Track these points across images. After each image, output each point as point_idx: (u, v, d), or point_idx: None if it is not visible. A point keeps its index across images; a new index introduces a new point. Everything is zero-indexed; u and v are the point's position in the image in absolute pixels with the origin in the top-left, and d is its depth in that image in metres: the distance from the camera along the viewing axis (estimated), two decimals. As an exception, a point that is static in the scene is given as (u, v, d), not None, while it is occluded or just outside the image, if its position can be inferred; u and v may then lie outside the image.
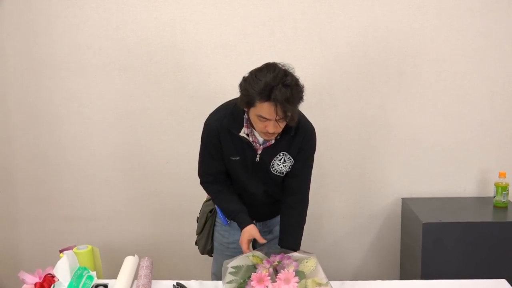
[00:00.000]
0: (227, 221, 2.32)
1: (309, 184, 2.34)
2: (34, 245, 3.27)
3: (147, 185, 3.18)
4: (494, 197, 2.97)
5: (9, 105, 3.09)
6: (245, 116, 2.11)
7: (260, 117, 1.96)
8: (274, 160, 2.19)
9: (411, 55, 3.01)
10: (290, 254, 2.00)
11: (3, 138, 3.13)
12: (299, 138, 2.19)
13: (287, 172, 2.25)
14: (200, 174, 2.31)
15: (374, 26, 2.98)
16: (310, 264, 1.96)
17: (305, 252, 2.10)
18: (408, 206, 3.02)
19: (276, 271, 1.91)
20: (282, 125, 2.02)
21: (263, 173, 2.23)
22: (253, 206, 2.29)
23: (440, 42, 2.99)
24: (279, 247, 2.24)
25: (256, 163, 2.19)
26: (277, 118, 1.93)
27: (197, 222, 2.51)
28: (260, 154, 2.17)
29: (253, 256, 2.00)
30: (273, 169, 2.21)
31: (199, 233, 2.47)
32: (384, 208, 3.22)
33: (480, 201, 3.10)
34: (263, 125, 1.99)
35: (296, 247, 2.24)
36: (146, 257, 2.25)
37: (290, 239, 2.28)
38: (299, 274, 1.89)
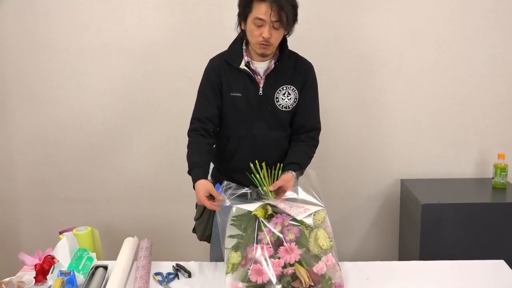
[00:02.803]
0: (221, 190, 2.12)
1: (319, 123, 2.34)
2: (34, 227, 3.28)
3: (146, 166, 3.18)
4: (493, 178, 2.98)
5: (7, 87, 3.08)
6: (244, 47, 2.21)
7: (257, 20, 2.04)
8: (278, 93, 2.20)
9: (410, 36, 2.99)
10: (293, 214, 1.91)
11: (2, 120, 3.13)
12: (300, 68, 2.25)
13: (296, 111, 2.26)
14: (191, 121, 2.27)
15: (373, 6, 2.96)
16: (318, 217, 1.95)
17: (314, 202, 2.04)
18: (407, 188, 3.02)
19: (279, 236, 1.87)
20: (277, 34, 2.08)
21: (268, 111, 2.22)
22: (257, 153, 2.21)
23: (440, 22, 2.98)
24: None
25: (259, 98, 2.20)
26: (272, 19, 2.02)
27: (196, 208, 2.46)
28: (262, 87, 2.19)
29: (257, 210, 1.93)
30: (278, 103, 2.21)
31: (197, 218, 2.42)
32: (383, 190, 3.22)
33: (479, 182, 3.11)
34: (259, 32, 2.06)
35: (300, 162, 2.22)
36: (146, 239, 2.26)
37: (294, 156, 2.24)
38: (300, 241, 1.88)
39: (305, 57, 2.30)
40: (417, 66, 3.04)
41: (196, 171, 2.12)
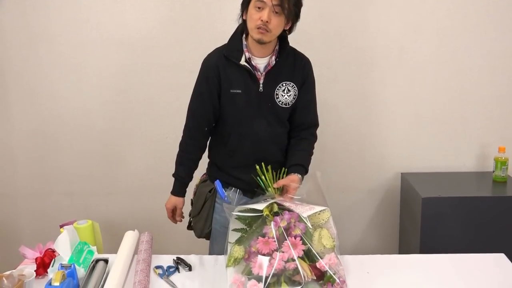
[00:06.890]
0: (225, 195, 2.15)
1: (317, 119, 2.35)
2: (35, 220, 3.28)
3: (146, 160, 3.18)
4: (494, 171, 2.97)
5: (7, 81, 3.07)
6: (244, 42, 2.16)
7: (258, 2, 2.01)
8: (278, 89, 2.18)
9: (411, 29, 2.99)
10: (299, 212, 1.91)
11: (2, 114, 3.12)
12: (299, 65, 2.23)
13: (295, 108, 2.25)
14: (186, 120, 2.33)
15: (373, 0, 2.95)
16: (323, 217, 1.95)
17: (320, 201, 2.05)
18: (408, 181, 3.02)
19: (285, 231, 1.87)
20: (277, 21, 2.04)
21: (268, 108, 2.20)
22: (257, 150, 2.22)
23: (441, 16, 2.97)
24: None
25: (260, 94, 2.17)
26: (274, 2, 1.98)
27: (191, 204, 2.45)
28: (262, 84, 2.16)
29: (264, 208, 1.93)
30: (278, 100, 2.19)
31: (196, 215, 2.39)
32: (384, 183, 3.22)
33: (480, 176, 3.11)
34: (258, 15, 2.02)
35: (304, 164, 2.23)
36: (146, 232, 2.26)
37: (298, 157, 2.25)
38: (305, 238, 1.88)
39: (305, 51, 2.28)
40: (418, 60, 3.03)
41: (177, 185, 2.41)
